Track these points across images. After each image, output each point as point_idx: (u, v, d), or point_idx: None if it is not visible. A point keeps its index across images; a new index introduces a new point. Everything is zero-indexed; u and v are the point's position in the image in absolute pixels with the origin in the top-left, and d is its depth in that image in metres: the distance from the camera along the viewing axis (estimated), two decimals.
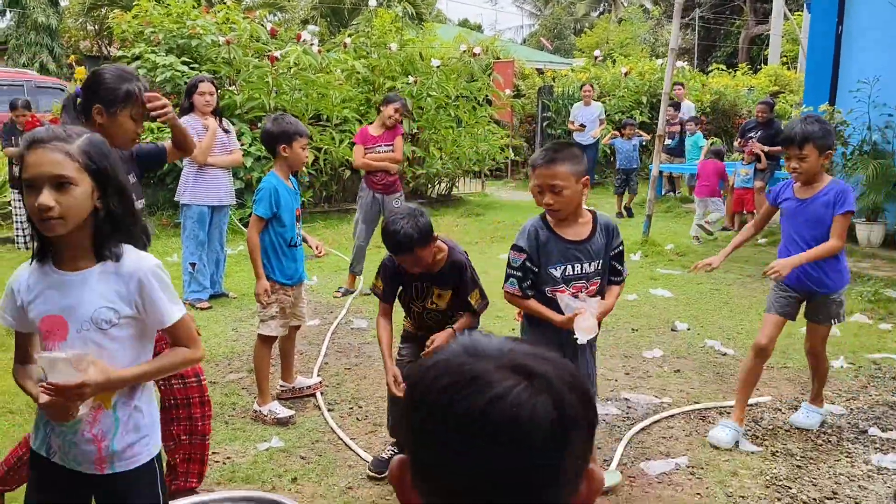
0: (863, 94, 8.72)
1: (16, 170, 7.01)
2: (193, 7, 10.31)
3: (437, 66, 11.18)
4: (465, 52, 12.27)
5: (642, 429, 3.97)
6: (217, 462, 3.58)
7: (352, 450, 3.69)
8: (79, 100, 2.81)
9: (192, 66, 9.64)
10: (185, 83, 6.76)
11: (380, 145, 6.58)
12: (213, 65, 9.69)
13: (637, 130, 11.69)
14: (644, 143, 11.97)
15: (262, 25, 10.96)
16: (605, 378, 4.71)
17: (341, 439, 3.80)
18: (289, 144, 4.06)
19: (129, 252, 2.01)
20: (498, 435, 0.80)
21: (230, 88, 9.77)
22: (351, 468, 3.53)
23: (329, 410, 4.16)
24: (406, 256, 3.14)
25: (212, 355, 5.04)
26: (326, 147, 10.18)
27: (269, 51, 9.91)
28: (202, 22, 9.95)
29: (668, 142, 11.64)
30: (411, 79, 11.00)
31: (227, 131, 6.28)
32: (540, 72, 16.45)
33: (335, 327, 5.69)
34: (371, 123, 6.85)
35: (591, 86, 11.69)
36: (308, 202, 10.46)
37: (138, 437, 2.08)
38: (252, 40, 10.11)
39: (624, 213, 11.40)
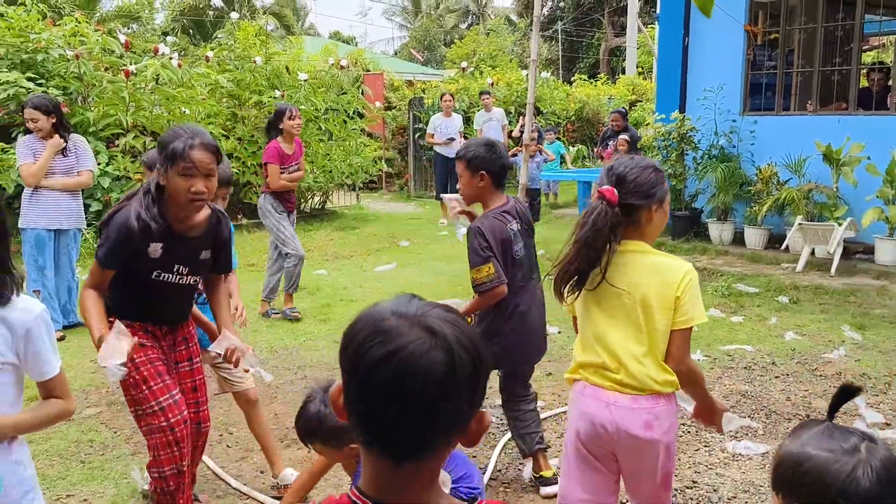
0: (709, 102, 9.32)
1: None
2: (38, 20, 9.68)
3: (305, 80, 11.03)
4: (332, 64, 12.17)
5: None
6: None
7: (221, 479, 3.54)
8: None
9: (38, 81, 9.04)
10: None
11: (292, 165, 6.34)
12: (61, 80, 9.13)
13: (539, 146, 11.13)
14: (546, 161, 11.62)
15: (116, 38, 10.44)
16: None
17: (210, 469, 3.64)
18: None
19: (18, 297, 1.87)
20: (397, 378, 1.02)
21: (81, 105, 9.24)
22: (220, 499, 3.39)
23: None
24: None
25: None
26: None
27: (124, 65, 9.44)
28: (48, 35, 9.36)
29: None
30: (278, 93, 10.79)
31: (66, 153, 5.80)
32: (410, 83, 16.55)
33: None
34: (274, 139, 6.27)
35: (451, 96, 11.71)
36: None
37: (23, 491, 1.92)
38: (105, 53, 9.61)
39: None
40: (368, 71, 15.33)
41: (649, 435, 2.24)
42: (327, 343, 5.69)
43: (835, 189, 8.18)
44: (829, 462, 1.36)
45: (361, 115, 12.61)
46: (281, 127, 6.21)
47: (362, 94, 12.41)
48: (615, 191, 2.21)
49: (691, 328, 2.28)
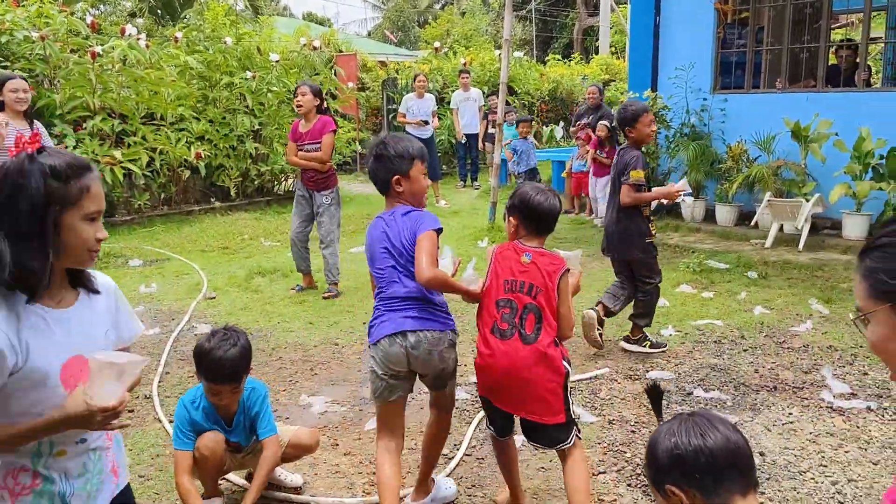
0: (680, 81, 9.38)
1: None
2: (1, 1, 9.47)
3: (277, 61, 10.91)
4: (304, 45, 12.05)
5: None
6: None
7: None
8: None
9: (2, 64, 8.86)
10: None
11: (307, 143, 6.32)
12: (27, 62, 8.95)
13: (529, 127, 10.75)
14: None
15: (82, 19, 10.25)
16: None
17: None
18: None
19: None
20: None
21: (47, 88, 9.08)
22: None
23: (171, 423, 3.97)
24: None
25: None
26: (162, 147, 9.69)
27: (91, 46, 9.27)
28: (11, 16, 9.15)
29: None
30: (249, 74, 10.68)
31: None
32: (383, 64, 16.44)
33: (177, 334, 5.44)
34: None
35: (424, 76, 11.65)
36: (145, 205, 9.94)
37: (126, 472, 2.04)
38: (70, 35, 9.43)
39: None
40: (341, 52, 15.21)
41: None
42: (302, 325, 5.69)
43: (803, 165, 8.29)
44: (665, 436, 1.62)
45: (334, 96, 12.52)
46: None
47: (335, 74, 12.32)
48: None
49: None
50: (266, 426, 3.01)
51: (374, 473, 3.43)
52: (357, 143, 13.71)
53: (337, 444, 3.74)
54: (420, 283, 2.72)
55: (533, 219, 2.86)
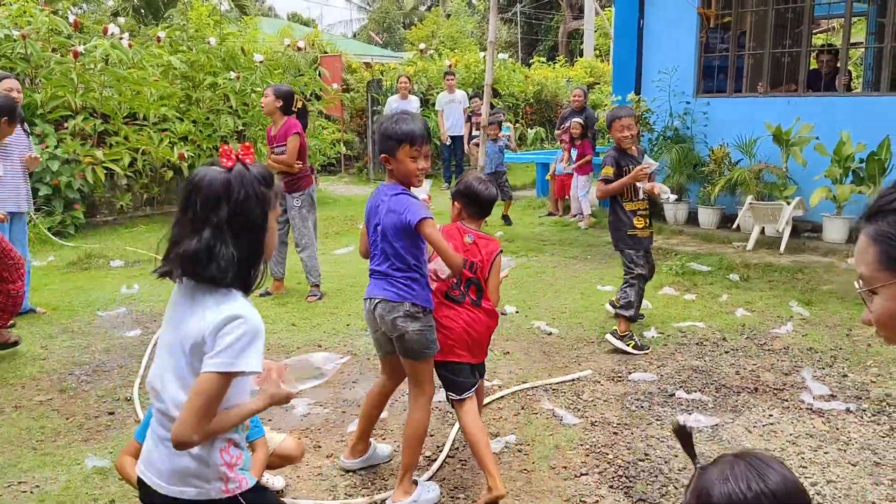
0: (663, 84, 9.44)
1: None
2: None
3: (261, 61, 10.87)
4: (289, 46, 12.01)
5: None
6: (24, 492, 3.29)
7: None
8: None
9: None
10: None
11: (276, 146, 6.30)
12: (8, 61, 8.87)
13: (503, 133, 10.51)
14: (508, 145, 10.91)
15: (65, 18, 10.17)
16: None
17: None
18: None
19: None
20: None
21: (28, 87, 9.00)
22: None
23: None
24: None
25: (18, 376, 4.64)
26: (145, 147, 9.62)
27: (73, 45, 9.20)
28: None
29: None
30: (233, 74, 10.63)
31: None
32: (368, 66, 16.42)
33: (158, 336, 5.40)
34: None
35: (408, 78, 11.65)
36: (127, 206, 9.86)
37: None
38: (52, 34, 9.35)
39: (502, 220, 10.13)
40: (326, 53, 15.17)
41: None
42: (285, 326, 5.66)
43: (784, 169, 8.36)
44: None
45: (319, 98, 12.49)
46: None
47: (319, 75, 12.29)
48: None
49: None
50: (254, 427, 2.98)
51: (358, 476, 3.43)
52: (342, 144, 13.68)
53: (319, 447, 3.72)
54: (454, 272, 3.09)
55: (475, 204, 3.35)
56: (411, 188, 3.10)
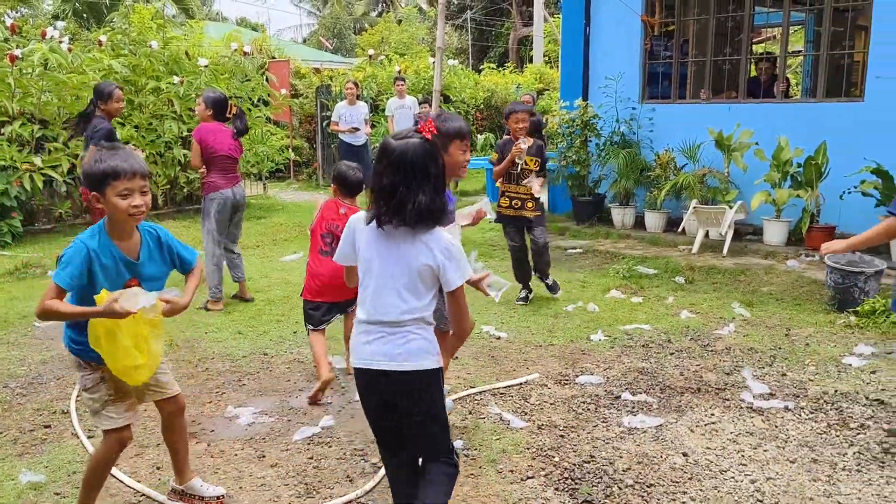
0: (610, 90, 9.57)
1: None
2: None
3: (206, 66, 10.69)
4: (235, 51, 11.84)
5: None
6: None
7: (114, 477, 3.41)
8: None
9: None
10: None
11: None
12: None
13: None
14: None
15: (2, 22, 9.86)
16: None
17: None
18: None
19: None
20: None
21: None
22: (113, 497, 3.27)
23: (89, 437, 3.83)
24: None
25: None
26: (84, 154, 9.36)
27: (9, 49, 8.92)
28: None
29: None
30: (177, 79, 10.43)
31: None
32: (317, 71, 16.30)
33: None
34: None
35: (355, 84, 11.59)
36: (66, 213, 9.59)
37: None
38: None
39: None
40: (274, 58, 15.01)
41: None
42: (230, 334, 5.56)
43: (726, 173, 8.55)
44: None
45: (267, 103, 12.34)
46: None
47: (267, 81, 12.14)
48: None
49: None
50: (189, 253, 2.99)
51: (302, 485, 3.38)
52: (290, 150, 13.53)
53: (263, 456, 3.66)
54: None
55: (345, 186, 4.42)
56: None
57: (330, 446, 3.75)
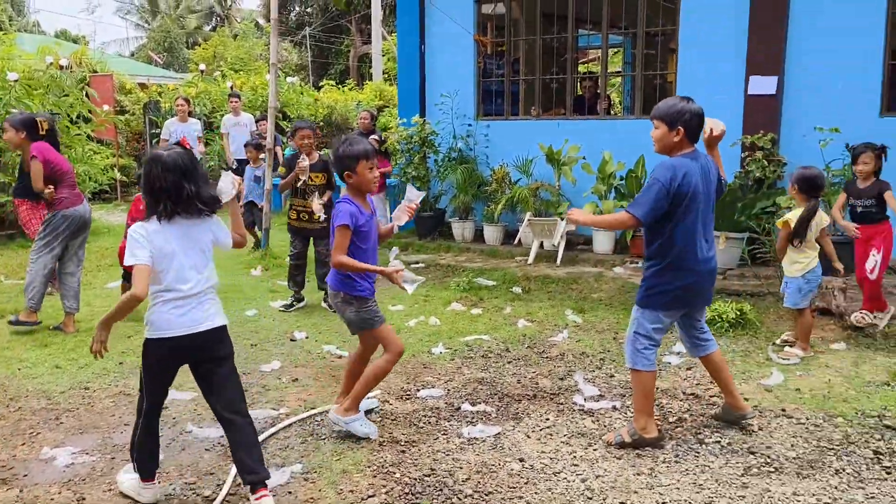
0: (446, 107, 9.79)
1: None
2: None
3: (16, 80, 9.87)
4: (51, 64, 11.03)
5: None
6: None
7: None
8: None
9: None
10: None
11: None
12: None
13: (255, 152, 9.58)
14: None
15: None
16: None
17: None
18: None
19: None
20: None
21: None
22: None
23: None
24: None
25: None
26: None
27: None
28: None
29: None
30: None
31: None
32: (143, 86, 15.50)
33: None
34: None
35: (185, 100, 11.15)
36: None
37: None
38: None
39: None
40: (96, 72, 14.12)
41: None
42: (47, 369, 5.12)
43: (557, 187, 8.97)
44: None
45: (88, 120, 11.57)
46: None
47: (87, 96, 11.39)
48: None
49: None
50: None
51: None
52: (116, 170, 12.75)
53: (83, 499, 3.38)
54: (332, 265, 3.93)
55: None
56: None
57: (158, 482, 3.53)
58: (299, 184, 6.46)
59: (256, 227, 9.35)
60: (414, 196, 4.18)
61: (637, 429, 3.77)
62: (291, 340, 5.82)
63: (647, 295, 3.78)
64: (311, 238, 6.72)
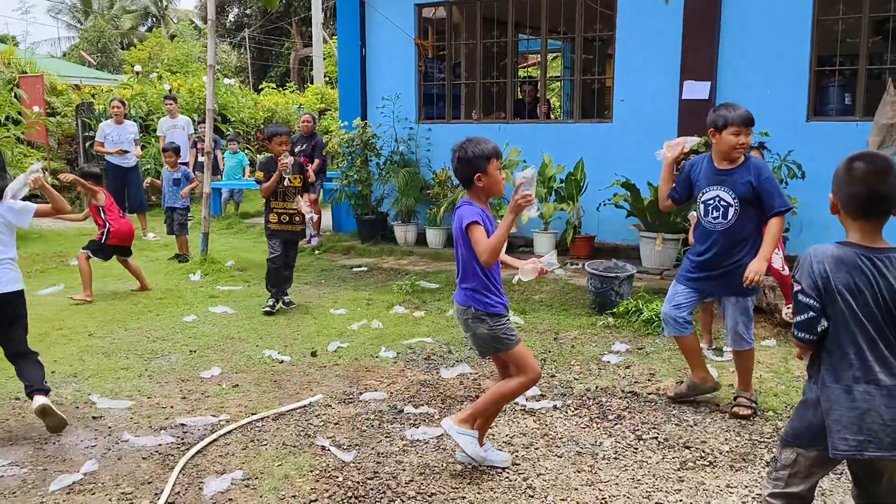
0: (387, 110, 9.78)
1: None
2: None
3: None
4: None
5: (198, 451, 3.85)
6: None
7: None
8: None
9: None
10: None
11: None
12: None
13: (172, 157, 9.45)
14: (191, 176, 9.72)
15: None
16: (159, 406, 4.47)
17: None
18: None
19: None
20: None
21: None
22: None
23: None
24: None
25: None
26: None
27: None
28: None
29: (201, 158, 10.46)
30: None
31: None
32: (77, 88, 15.06)
33: None
34: None
35: (121, 102, 10.89)
36: None
37: None
38: None
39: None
40: (25, 73, 13.65)
41: None
42: None
43: None
44: None
45: (17, 122, 11.18)
46: None
47: (16, 97, 11.01)
48: None
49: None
50: None
51: None
52: (48, 173, 12.34)
53: None
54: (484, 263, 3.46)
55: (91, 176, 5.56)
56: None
57: (93, 493, 3.44)
58: (282, 186, 6.65)
59: (176, 233, 9.22)
60: (551, 262, 3.76)
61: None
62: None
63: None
64: (292, 240, 6.94)
